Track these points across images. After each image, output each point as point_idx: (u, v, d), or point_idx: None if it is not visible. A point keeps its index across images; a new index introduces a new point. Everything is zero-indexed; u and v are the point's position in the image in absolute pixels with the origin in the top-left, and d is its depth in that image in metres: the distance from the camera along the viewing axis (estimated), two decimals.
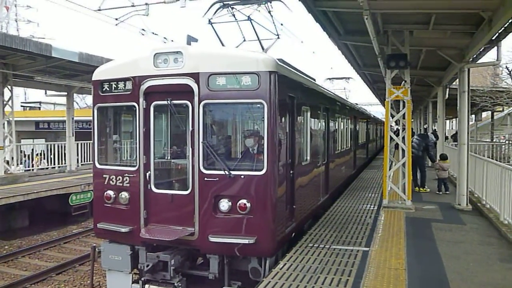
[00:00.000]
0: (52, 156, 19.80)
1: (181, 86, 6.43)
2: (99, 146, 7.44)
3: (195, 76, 6.34)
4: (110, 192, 7.00)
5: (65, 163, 19.68)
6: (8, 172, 16.06)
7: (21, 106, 41.35)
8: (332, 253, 6.72)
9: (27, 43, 12.85)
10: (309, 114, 8.61)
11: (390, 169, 10.91)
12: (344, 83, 26.07)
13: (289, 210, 7.18)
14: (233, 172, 6.22)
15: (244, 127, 7.26)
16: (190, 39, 7.23)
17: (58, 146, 19.88)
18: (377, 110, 44.87)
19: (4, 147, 15.94)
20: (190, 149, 6.47)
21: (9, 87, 15.99)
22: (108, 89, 7.09)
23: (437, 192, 12.77)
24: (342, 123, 13.63)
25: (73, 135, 19.67)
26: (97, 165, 7.30)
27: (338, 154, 12.63)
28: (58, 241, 12.95)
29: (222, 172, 6.26)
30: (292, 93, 7.27)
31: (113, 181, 7.00)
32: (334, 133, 11.97)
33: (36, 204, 13.88)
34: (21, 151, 20.79)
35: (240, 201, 6.17)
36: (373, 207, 10.48)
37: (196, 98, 6.35)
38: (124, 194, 6.88)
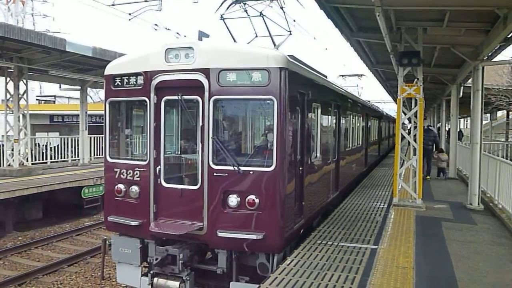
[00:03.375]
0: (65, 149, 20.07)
1: (191, 82, 6.47)
2: (110, 140, 7.52)
3: (205, 71, 6.37)
4: (121, 186, 7.07)
5: (78, 157, 19.97)
6: (23, 164, 16.35)
7: (37, 99, 41.87)
8: (340, 250, 6.72)
9: (42, 37, 13.03)
10: (319, 111, 8.57)
11: (401, 167, 10.84)
12: (356, 80, 25.97)
13: (298, 206, 7.16)
14: (242, 168, 6.24)
15: (254, 123, 7.26)
16: (202, 35, 7.25)
17: (72, 140, 20.15)
18: (390, 108, 44.53)
19: (19, 140, 16.22)
20: (200, 144, 6.51)
21: (24, 80, 16.23)
22: (120, 83, 7.16)
23: (437, 178, 15.62)
24: (353, 120, 13.53)
25: (86, 129, 19.91)
26: (108, 159, 7.37)
27: (349, 151, 12.54)
28: (70, 233, 13.17)
29: (231, 168, 6.28)
30: (303, 89, 7.24)
31: (123, 175, 7.07)
32: (345, 130, 11.88)
33: (50, 197, 14.12)
34: (35, 144, 21.11)
35: (248, 197, 6.19)
36: (383, 205, 10.43)
37: (206, 94, 6.38)
38: (135, 188, 6.94)
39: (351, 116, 13.07)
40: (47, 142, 20.29)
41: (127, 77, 7.07)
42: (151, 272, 6.80)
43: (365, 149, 16.60)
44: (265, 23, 8.19)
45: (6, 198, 12.29)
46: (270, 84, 6.11)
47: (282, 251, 6.56)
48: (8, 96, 16.14)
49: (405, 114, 10.85)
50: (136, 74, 6.95)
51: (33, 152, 18.47)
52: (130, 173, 7.02)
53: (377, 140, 21.74)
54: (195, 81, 6.44)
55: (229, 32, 8.21)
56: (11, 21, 36.12)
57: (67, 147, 19.91)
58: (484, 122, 13.73)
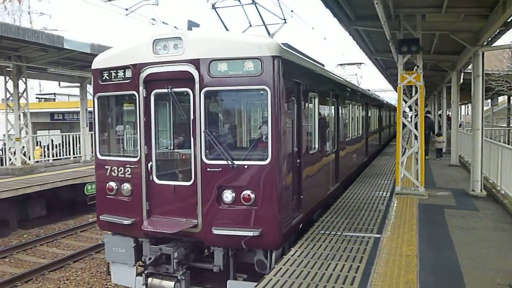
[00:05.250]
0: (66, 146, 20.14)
1: (181, 73, 6.23)
2: (100, 136, 7.32)
3: (195, 62, 6.13)
4: (112, 184, 6.86)
5: (80, 154, 20.00)
6: (25, 163, 16.39)
7: (36, 98, 41.85)
8: (343, 240, 6.74)
9: (40, 35, 12.99)
10: (317, 100, 8.35)
11: (403, 155, 10.84)
12: (355, 69, 25.62)
13: (296, 200, 6.96)
14: (236, 162, 6.02)
15: (248, 115, 7.06)
16: (191, 25, 6.98)
17: (73, 137, 20.18)
18: (390, 96, 44.41)
19: (20, 138, 16.23)
20: (192, 138, 6.27)
21: (23, 79, 16.22)
22: (108, 78, 6.90)
23: (436, 159, 17.50)
24: (352, 110, 13.37)
25: (87, 126, 19.94)
26: (99, 156, 7.15)
27: (348, 141, 12.41)
28: (75, 230, 13.24)
29: (225, 162, 6.05)
30: (298, 78, 6.99)
31: (115, 172, 6.85)
32: (345, 120, 11.73)
33: (53, 194, 14.17)
34: (37, 142, 21.16)
35: (244, 192, 5.99)
36: (386, 194, 10.44)
37: (197, 86, 6.13)
38: (126, 186, 6.73)
39: (350, 106, 12.91)
40: (49, 141, 20.32)
41: (115, 71, 6.80)
42: (145, 272, 6.63)
43: (366, 138, 16.51)
44: (258, 11, 7.86)
45: (10, 197, 12.35)
46: (263, 74, 5.87)
47: (280, 248, 6.33)
48: (8, 95, 16.15)
49: (405, 102, 10.81)
50: (124, 68, 6.69)
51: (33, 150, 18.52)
52: (121, 170, 6.78)
53: (378, 129, 21.68)
54: (185, 72, 6.19)
55: (221, 21, 7.91)
56: (8, 20, 35.97)
57: (69, 144, 19.95)
58: (485, 108, 13.70)
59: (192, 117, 6.24)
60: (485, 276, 5.39)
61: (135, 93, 6.58)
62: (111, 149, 7.46)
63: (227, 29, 8.02)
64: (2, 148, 18.00)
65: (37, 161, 18.34)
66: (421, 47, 9.91)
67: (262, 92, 5.98)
